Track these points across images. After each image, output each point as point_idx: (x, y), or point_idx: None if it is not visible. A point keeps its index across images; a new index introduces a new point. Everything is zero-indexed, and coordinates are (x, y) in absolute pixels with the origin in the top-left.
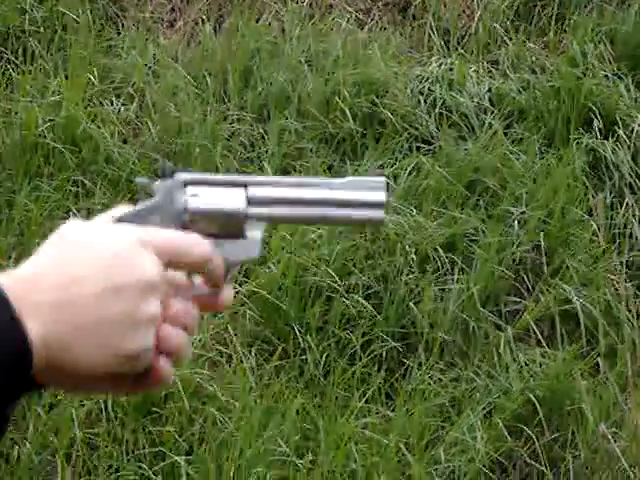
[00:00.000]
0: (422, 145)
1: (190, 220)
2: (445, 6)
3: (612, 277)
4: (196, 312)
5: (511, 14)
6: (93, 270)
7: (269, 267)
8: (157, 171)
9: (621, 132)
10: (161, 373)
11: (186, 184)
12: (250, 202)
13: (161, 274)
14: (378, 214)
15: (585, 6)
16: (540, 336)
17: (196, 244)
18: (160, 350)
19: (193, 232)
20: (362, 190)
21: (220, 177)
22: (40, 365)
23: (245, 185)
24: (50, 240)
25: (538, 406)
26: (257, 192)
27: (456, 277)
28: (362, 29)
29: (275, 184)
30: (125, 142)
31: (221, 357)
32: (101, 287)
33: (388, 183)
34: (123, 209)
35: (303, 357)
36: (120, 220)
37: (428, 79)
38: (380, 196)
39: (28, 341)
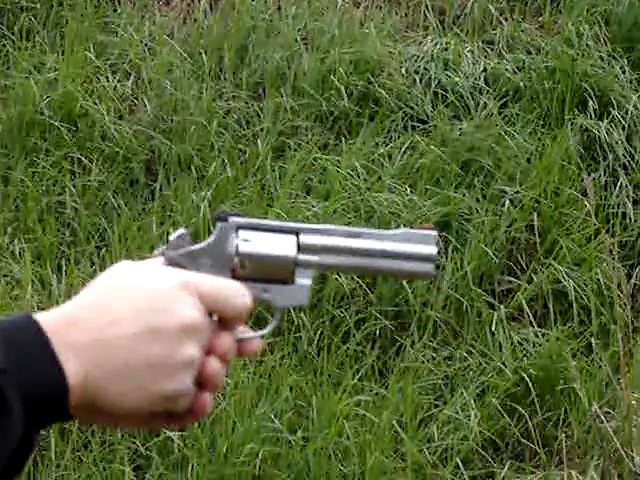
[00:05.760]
0: (417, 124)
1: (240, 264)
2: None
3: (605, 257)
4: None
5: None
6: (132, 312)
7: None
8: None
9: (615, 113)
10: (205, 407)
11: (238, 228)
12: (300, 249)
13: (203, 318)
14: (428, 267)
15: None
16: (533, 315)
17: (240, 294)
18: (205, 384)
19: (242, 276)
20: (413, 243)
21: (273, 223)
22: (75, 403)
23: (297, 232)
24: (94, 280)
25: (531, 385)
26: (308, 240)
27: (450, 256)
28: (358, 8)
29: (327, 232)
30: (121, 118)
31: None
32: (139, 329)
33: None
34: (180, 232)
35: (297, 334)
36: (171, 260)
37: (423, 58)
38: (431, 250)
39: (66, 382)
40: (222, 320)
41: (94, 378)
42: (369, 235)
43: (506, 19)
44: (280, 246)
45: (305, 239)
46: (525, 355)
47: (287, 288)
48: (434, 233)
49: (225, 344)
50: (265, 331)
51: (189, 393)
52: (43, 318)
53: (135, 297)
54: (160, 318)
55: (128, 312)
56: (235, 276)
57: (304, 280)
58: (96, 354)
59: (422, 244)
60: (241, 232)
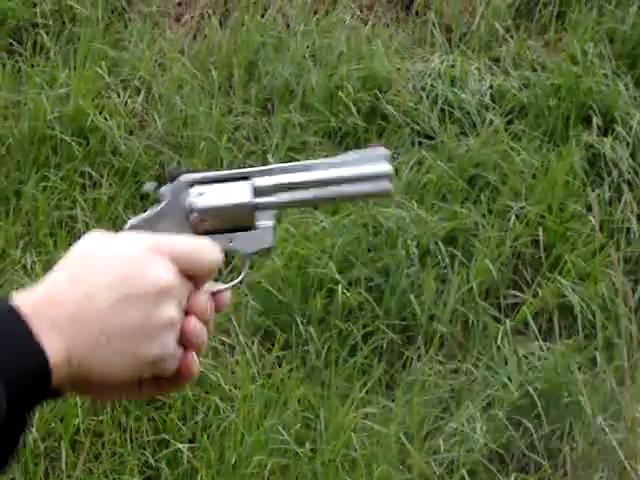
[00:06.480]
0: (424, 140)
1: (199, 219)
2: (447, 3)
3: (610, 272)
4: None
5: (512, 12)
6: (106, 282)
7: (272, 258)
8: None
9: (620, 129)
10: (191, 369)
11: (191, 185)
12: (256, 193)
13: (177, 279)
14: (384, 185)
15: (585, 5)
16: (538, 329)
17: (210, 250)
18: (188, 345)
19: (205, 230)
20: (365, 164)
21: (223, 173)
22: (61, 379)
23: (249, 177)
24: (66, 256)
25: (536, 398)
26: (261, 182)
27: (456, 270)
28: (365, 25)
29: (277, 171)
30: (131, 134)
31: (224, 347)
32: (115, 297)
33: (390, 155)
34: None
35: (305, 348)
36: (131, 227)
37: (430, 75)
38: (384, 167)
39: (47, 359)
40: (195, 277)
41: (77, 352)
42: (320, 165)
43: (512, 37)
44: (235, 194)
45: (258, 182)
46: (530, 368)
47: (251, 234)
48: (385, 151)
49: (202, 301)
50: (237, 281)
51: (174, 354)
52: (20, 299)
53: (107, 265)
54: (135, 283)
55: (103, 282)
56: (197, 231)
57: (266, 222)
58: (76, 328)
59: (374, 163)
60: (194, 188)
